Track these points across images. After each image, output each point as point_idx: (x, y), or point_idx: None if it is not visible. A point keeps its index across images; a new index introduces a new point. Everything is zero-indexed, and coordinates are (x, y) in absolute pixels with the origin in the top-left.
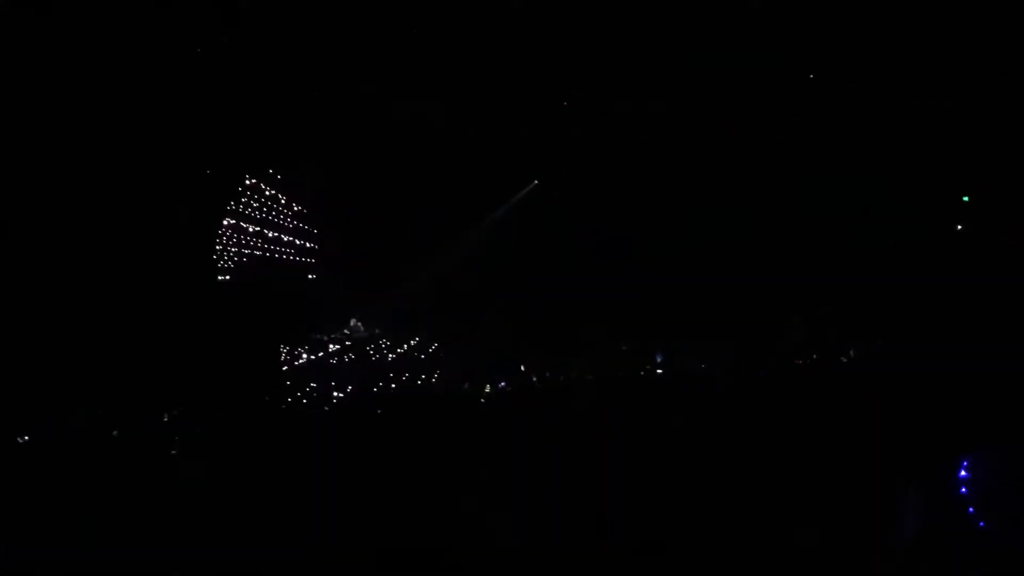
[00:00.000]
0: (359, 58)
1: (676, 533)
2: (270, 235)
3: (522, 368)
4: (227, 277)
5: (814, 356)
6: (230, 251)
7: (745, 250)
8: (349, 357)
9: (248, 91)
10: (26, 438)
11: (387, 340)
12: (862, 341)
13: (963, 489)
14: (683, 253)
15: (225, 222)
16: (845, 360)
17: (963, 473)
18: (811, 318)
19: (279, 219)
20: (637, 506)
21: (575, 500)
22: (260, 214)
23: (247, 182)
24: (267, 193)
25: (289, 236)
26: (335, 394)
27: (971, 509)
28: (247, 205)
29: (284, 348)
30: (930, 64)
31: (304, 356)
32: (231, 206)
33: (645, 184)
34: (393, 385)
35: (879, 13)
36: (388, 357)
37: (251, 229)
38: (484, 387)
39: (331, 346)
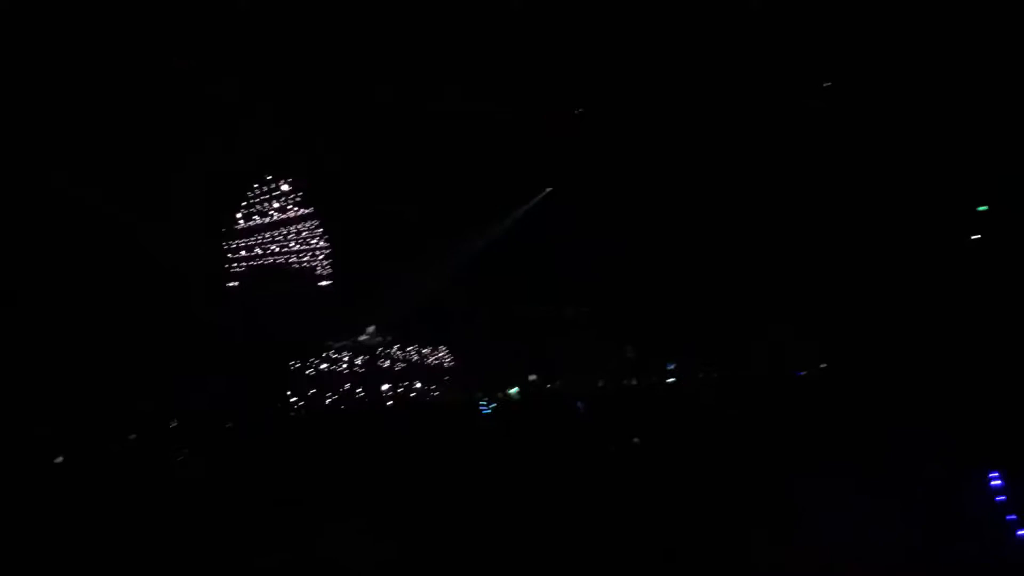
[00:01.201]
0: (358, 58)
1: (674, 537)
2: (282, 241)
3: (531, 378)
4: (236, 283)
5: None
6: (242, 258)
7: (745, 256)
8: (359, 364)
9: (248, 92)
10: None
11: (399, 347)
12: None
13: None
14: (687, 258)
15: (236, 228)
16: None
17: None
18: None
19: (292, 225)
20: (641, 512)
21: (581, 506)
22: (271, 220)
23: (257, 186)
24: (278, 198)
25: (303, 242)
26: (344, 401)
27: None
28: (258, 210)
29: (298, 357)
30: (930, 64)
31: (317, 364)
32: (240, 211)
33: (646, 191)
34: (401, 387)
35: (879, 13)
36: (398, 364)
37: (263, 235)
38: (495, 395)
39: (343, 353)
